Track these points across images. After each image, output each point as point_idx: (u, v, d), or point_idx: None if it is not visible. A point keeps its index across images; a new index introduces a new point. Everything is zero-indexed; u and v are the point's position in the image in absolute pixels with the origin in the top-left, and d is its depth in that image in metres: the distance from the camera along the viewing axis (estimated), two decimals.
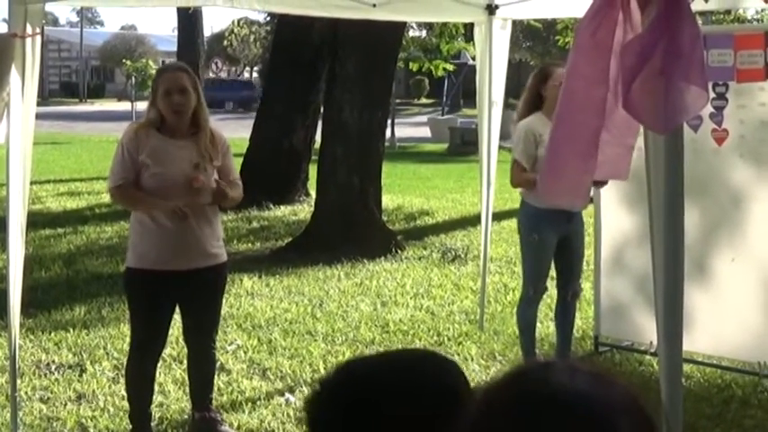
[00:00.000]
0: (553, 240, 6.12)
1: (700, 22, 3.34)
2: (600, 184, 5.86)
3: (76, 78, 71.86)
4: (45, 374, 6.45)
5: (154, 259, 5.04)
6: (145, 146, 5.02)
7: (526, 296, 6.37)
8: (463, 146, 24.40)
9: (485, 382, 1.26)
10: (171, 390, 6.07)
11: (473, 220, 12.19)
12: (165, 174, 5.01)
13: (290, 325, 7.71)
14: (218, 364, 6.19)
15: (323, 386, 1.52)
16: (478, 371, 6.55)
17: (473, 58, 9.12)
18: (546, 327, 7.64)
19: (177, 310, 5.29)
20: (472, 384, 1.57)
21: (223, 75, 61.63)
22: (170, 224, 4.99)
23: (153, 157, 5.00)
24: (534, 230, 6.08)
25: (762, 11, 19.82)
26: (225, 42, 61.47)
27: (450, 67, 18.59)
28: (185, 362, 5.69)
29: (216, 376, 5.91)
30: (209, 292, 5.25)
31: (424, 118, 37.11)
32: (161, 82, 5.06)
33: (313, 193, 12.69)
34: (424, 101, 54.48)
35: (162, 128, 5.08)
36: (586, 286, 8.65)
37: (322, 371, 6.53)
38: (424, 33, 21.41)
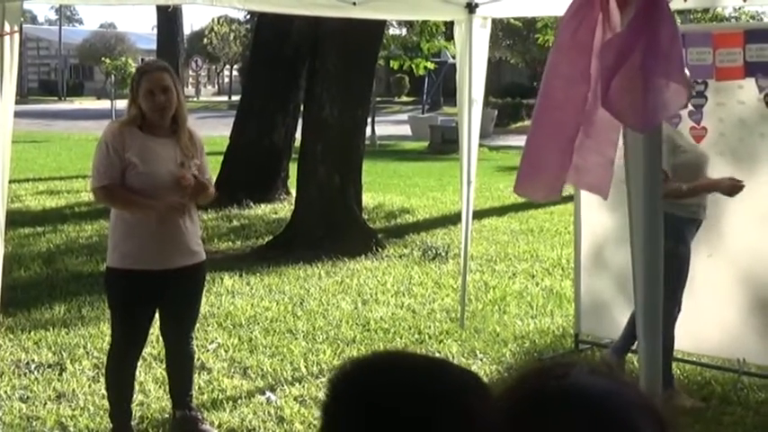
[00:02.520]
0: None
1: (678, 20, 3.35)
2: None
3: (55, 76, 71.44)
4: (25, 374, 6.42)
5: (138, 259, 5.00)
6: (131, 144, 4.98)
7: (672, 316, 5.56)
8: (443, 144, 24.40)
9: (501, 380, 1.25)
10: (151, 389, 6.05)
11: (453, 219, 12.21)
12: (152, 173, 4.98)
13: (271, 323, 7.70)
14: (198, 362, 6.20)
15: (338, 392, 1.49)
16: None
17: (453, 57, 9.12)
18: (526, 324, 7.67)
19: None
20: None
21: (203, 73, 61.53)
22: (154, 223, 4.96)
23: (140, 156, 4.97)
24: (681, 242, 5.58)
25: (739, 9, 19.92)
26: (205, 40, 61.41)
27: (430, 66, 18.58)
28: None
29: (196, 375, 5.91)
30: (192, 289, 5.25)
31: (404, 116, 37.04)
32: (144, 81, 5.00)
33: (293, 191, 12.68)
34: (404, 99, 54.43)
35: (143, 126, 5.05)
36: (566, 284, 8.71)
37: (303, 369, 6.54)
38: (404, 32, 21.38)
